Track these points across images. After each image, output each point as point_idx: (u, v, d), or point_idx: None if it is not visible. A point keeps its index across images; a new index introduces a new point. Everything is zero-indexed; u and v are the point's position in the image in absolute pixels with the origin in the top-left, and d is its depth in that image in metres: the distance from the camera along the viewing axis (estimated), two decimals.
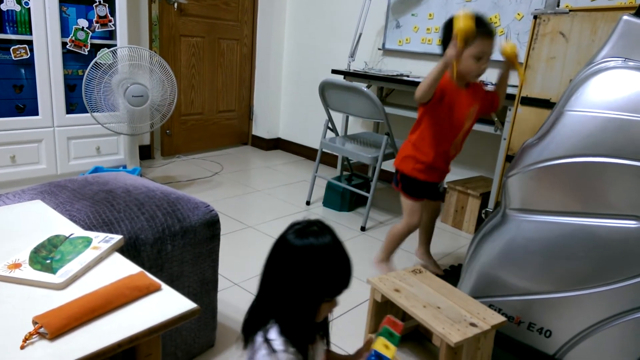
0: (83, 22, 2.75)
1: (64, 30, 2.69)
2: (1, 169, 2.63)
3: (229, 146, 4.31)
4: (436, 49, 3.06)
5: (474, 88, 1.85)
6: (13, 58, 2.57)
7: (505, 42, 1.77)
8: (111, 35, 2.90)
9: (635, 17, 1.33)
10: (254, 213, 2.85)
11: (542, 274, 1.42)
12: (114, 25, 2.86)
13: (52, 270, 0.85)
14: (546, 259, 1.40)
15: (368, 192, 2.68)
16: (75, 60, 2.80)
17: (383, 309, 1.58)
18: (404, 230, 2.00)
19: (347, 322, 1.80)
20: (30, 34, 2.57)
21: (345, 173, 3.27)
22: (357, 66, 3.39)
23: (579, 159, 1.32)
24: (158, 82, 2.76)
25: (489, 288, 1.52)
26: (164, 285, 0.85)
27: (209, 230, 1.42)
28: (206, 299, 1.48)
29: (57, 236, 0.98)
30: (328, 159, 3.73)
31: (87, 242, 0.96)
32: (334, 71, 3.28)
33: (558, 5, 2.00)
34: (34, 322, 0.71)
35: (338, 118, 3.17)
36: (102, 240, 0.97)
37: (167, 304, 0.81)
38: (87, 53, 2.79)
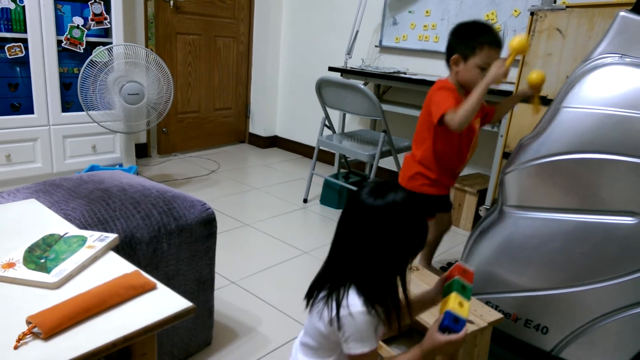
0: (78, 20, 2.74)
1: (59, 28, 2.67)
2: None
3: (226, 144, 4.30)
4: (433, 45, 3.06)
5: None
6: (8, 56, 2.55)
7: (534, 71, 1.65)
8: (107, 33, 2.88)
9: (632, 13, 1.33)
10: (251, 211, 2.84)
11: (539, 270, 1.42)
12: (110, 23, 2.84)
13: (46, 269, 0.85)
14: (543, 256, 1.40)
15: None
16: (71, 59, 2.79)
17: None
18: None
19: None
20: (25, 32, 2.56)
21: (342, 171, 3.27)
22: (354, 63, 3.38)
23: (576, 156, 1.32)
24: (154, 80, 2.75)
25: (486, 285, 1.52)
26: (159, 284, 0.85)
27: (205, 228, 1.41)
28: (203, 297, 1.48)
29: (51, 235, 0.97)
30: (325, 157, 3.72)
31: (82, 241, 0.95)
32: (330, 68, 3.28)
33: (555, 2, 1.99)
34: (28, 322, 0.70)
35: (335, 116, 3.16)
36: (97, 239, 0.96)
37: (162, 303, 0.80)
38: (82, 51, 2.78)
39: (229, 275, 2.05)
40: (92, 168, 2.78)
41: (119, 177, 1.46)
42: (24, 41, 2.57)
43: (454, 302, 0.91)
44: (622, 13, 1.33)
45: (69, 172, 2.84)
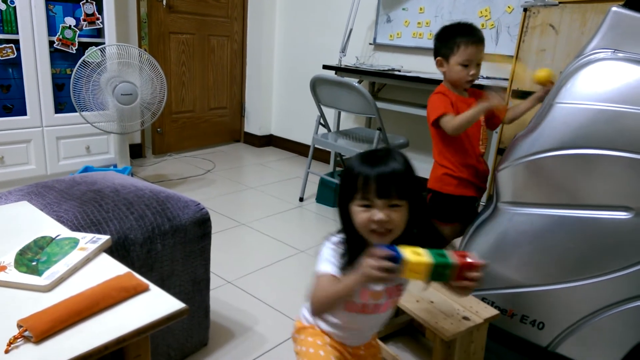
0: (70, 21, 2.72)
1: (51, 29, 2.66)
2: None
3: (221, 144, 4.28)
4: (427, 43, 3.06)
5: (473, 94, 1.80)
6: None
7: (542, 69, 1.70)
8: (99, 33, 2.87)
9: (624, 8, 1.33)
10: (246, 210, 2.84)
11: (534, 266, 1.42)
12: (102, 23, 2.83)
13: (37, 272, 0.84)
14: (538, 252, 1.40)
15: None
16: (63, 59, 2.77)
17: None
18: None
19: None
20: (17, 33, 2.54)
21: (338, 169, 3.27)
22: (348, 61, 3.37)
23: (569, 151, 1.32)
24: (147, 80, 2.74)
25: (482, 281, 1.52)
26: (152, 286, 0.84)
27: (199, 228, 1.40)
28: (198, 297, 1.47)
29: (43, 237, 0.96)
30: (321, 155, 3.72)
31: (74, 243, 0.95)
32: (325, 67, 3.27)
33: None
34: (19, 326, 0.70)
35: (330, 114, 3.16)
36: (89, 241, 0.96)
37: (155, 304, 0.80)
38: (75, 52, 2.76)
39: (225, 275, 2.04)
40: (86, 169, 2.77)
41: (111, 178, 1.46)
42: (16, 42, 2.55)
43: (410, 250, 0.84)
44: (614, 8, 1.33)
45: (63, 173, 2.82)
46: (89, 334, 0.71)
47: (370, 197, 0.93)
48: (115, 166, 2.96)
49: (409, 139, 2.86)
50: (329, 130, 3.04)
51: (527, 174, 1.41)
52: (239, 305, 1.84)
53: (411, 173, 0.97)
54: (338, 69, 3.18)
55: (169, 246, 1.32)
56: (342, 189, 1.00)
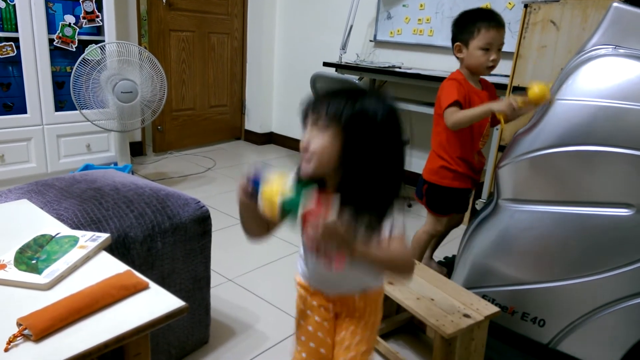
0: (70, 18, 2.71)
1: (51, 27, 2.65)
2: None
3: (222, 141, 4.28)
4: (428, 39, 3.05)
5: (488, 89, 1.78)
6: None
7: (539, 85, 1.43)
8: (99, 31, 2.86)
9: (625, 4, 1.32)
10: None
11: (535, 263, 1.42)
12: (102, 20, 2.82)
13: (37, 270, 0.84)
14: (539, 249, 1.40)
15: None
16: (63, 57, 2.77)
17: None
18: (426, 237, 1.91)
19: None
20: (16, 31, 2.53)
21: None
22: (349, 58, 3.37)
23: (570, 148, 1.32)
24: (147, 77, 2.73)
25: (483, 279, 1.52)
26: (151, 284, 0.84)
27: (199, 226, 1.40)
28: (199, 295, 1.47)
29: (43, 236, 0.96)
30: None
31: (74, 241, 0.95)
32: (325, 64, 3.26)
33: None
34: (18, 324, 0.69)
35: None
36: (89, 239, 0.95)
37: (155, 302, 0.80)
38: (74, 49, 2.75)
39: (225, 272, 2.04)
40: (87, 167, 2.76)
41: (111, 176, 1.45)
42: (16, 40, 2.55)
43: (285, 181, 0.84)
44: (615, 4, 1.32)
45: (64, 171, 2.82)
46: (89, 332, 0.71)
47: (307, 120, 0.89)
48: (115, 164, 2.96)
49: (409, 136, 2.86)
50: None
51: (527, 171, 1.41)
52: (239, 303, 1.84)
53: (372, 120, 0.86)
54: (338, 66, 3.18)
55: (169, 244, 1.32)
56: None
